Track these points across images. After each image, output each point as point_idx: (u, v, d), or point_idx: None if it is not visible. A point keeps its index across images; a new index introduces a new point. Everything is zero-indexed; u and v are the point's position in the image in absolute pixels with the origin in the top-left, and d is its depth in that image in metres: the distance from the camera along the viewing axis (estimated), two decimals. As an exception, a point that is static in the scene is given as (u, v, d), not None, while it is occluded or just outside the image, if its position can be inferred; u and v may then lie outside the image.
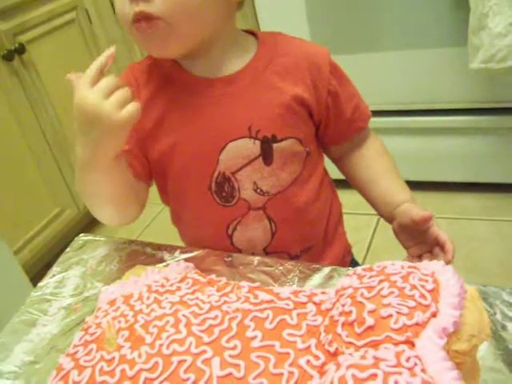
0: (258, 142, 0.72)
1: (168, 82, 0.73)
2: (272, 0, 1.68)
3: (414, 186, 1.70)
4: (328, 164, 0.84)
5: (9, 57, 1.62)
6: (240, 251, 0.77)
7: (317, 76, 0.74)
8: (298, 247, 0.79)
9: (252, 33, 0.77)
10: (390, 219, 0.79)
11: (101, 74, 0.61)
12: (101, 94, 0.59)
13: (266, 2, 1.70)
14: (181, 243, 0.82)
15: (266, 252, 0.77)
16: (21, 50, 1.66)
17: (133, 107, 0.61)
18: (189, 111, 0.72)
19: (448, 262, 0.69)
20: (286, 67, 0.73)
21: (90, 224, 2.06)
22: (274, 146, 0.72)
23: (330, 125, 0.78)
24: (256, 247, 0.77)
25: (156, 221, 1.95)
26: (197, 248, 0.73)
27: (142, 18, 0.64)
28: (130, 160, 0.74)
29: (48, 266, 1.84)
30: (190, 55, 0.71)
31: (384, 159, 0.82)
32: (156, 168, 0.76)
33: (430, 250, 0.74)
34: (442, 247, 0.72)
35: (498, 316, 0.55)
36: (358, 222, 1.64)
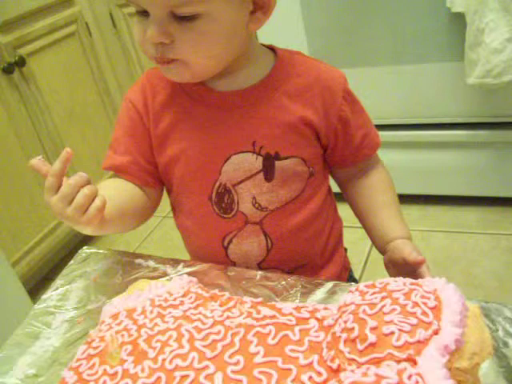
0: (260, 158, 0.73)
1: (182, 91, 0.74)
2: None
3: (413, 199, 1.74)
4: (333, 181, 0.85)
5: (9, 69, 1.63)
6: (234, 264, 0.77)
7: (329, 100, 0.75)
8: (292, 264, 0.79)
9: (272, 48, 0.77)
10: (382, 251, 0.79)
11: (61, 177, 0.62)
12: (63, 201, 0.61)
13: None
14: (180, 255, 0.83)
15: (260, 267, 0.78)
16: (21, 62, 1.67)
17: (95, 208, 0.62)
18: (198, 121, 0.74)
19: None
20: (298, 89, 0.74)
21: (88, 237, 2.05)
22: (277, 163, 0.73)
23: (338, 149, 0.78)
24: (250, 261, 0.78)
25: (154, 233, 1.96)
26: (199, 262, 0.73)
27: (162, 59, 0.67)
28: (136, 171, 0.76)
29: (45, 278, 1.83)
30: None
31: (386, 192, 0.82)
32: (164, 173, 0.78)
33: None
34: None
35: (500, 333, 0.54)
36: (354, 235, 1.65)
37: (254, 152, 0.73)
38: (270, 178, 0.74)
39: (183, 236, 0.85)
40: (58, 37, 1.83)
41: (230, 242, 0.77)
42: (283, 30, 1.66)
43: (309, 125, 0.74)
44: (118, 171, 0.77)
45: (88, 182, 0.63)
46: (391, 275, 0.76)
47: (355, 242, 1.67)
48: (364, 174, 0.82)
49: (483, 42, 1.38)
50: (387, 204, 0.80)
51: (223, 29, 0.65)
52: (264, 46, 0.77)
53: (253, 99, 0.73)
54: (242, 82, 0.73)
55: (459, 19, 1.43)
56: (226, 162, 0.73)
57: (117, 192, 0.73)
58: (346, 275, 0.88)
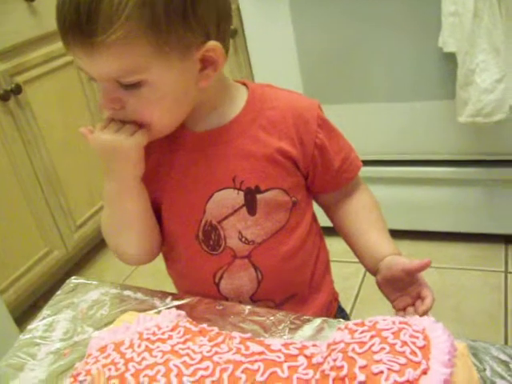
0: (241, 193, 0.73)
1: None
2: (266, 51, 1.72)
3: (404, 235, 1.74)
4: (318, 211, 0.85)
5: (5, 97, 1.64)
6: (227, 299, 0.77)
7: (303, 129, 0.76)
8: (283, 294, 0.79)
9: (245, 84, 0.78)
10: (374, 272, 0.79)
11: (109, 121, 0.69)
12: (111, 131, 0.68)
13: (259, 53, 1.74)
14: (170, 288, 0.83)
15: (253, 300, 0.78)
16: (17, 90, 1.68)
17: (139, 134, 0.68)
18: (179, 163, 0.75)
19: (422, 314, 0.70)
20: (272, 121, 0.75)
21: (77, 265, 2.04)
22: (258, 196, 0.74)
23: (318, 176, 0.79)
24: (242, 295, 0.78)
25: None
26: (188, 295, 0.73)
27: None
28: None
29: (33, 306, 1.81)
30: None
31: (372, 212, 0.82)
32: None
33: (413, 303, 0.74)
34: (423, 300, 0.73)
35: (488, 372, 0.54)
36: (346, 270, 1.65)
37: (234, 187, 0.73)
38: (253, 212, 0.74)
39: (175, 280, 0.86)
40: (55, 65, 1.84)
41: (221, 277, 0.77)
42: (278, 68, 1.69)
43: (286, 155, 0.75)
44: None
45: None
46: (386, 294, 0.77)
47: (345, 278, 1.67)
48: (348, 197, 0.83)
49: (474, 82, 1.41)
50: (373, 224, 0.81)
51: (169, 93, 0.67)
52: (238, 82, 0.79)
53: (229, 136, 0.74)
54: (218, 120, 0.74)
55: (451, 59, 1.47)
56: (209, 199, 0.74)
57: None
58: (336, 306, 0.88)
